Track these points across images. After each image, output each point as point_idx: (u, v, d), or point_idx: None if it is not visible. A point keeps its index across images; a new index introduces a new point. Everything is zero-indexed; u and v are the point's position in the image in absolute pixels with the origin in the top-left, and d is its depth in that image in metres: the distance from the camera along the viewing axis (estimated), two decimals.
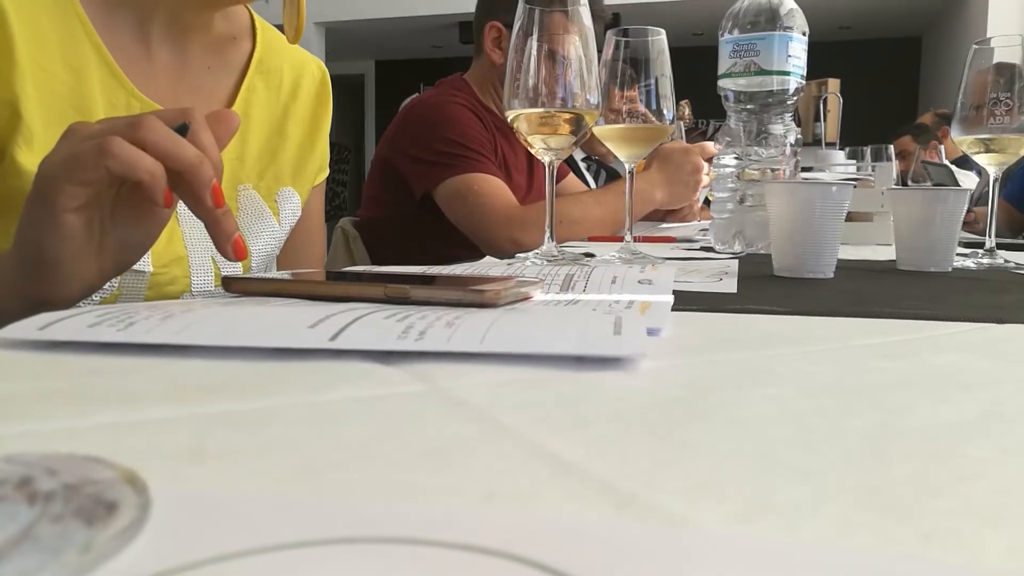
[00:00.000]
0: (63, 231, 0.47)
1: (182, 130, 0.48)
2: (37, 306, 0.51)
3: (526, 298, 0.48)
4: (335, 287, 0.47)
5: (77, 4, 0.63)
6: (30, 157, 0.59)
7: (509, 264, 0.75)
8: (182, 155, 0.47)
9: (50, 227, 0.47)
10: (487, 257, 0.93)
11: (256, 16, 0.81)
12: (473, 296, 0.43)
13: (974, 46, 0.87)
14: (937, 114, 3.84)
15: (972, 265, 0.84)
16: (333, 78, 0.89)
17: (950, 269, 0.78)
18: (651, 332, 0.38)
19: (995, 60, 0.85)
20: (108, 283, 0.62)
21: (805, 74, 0.98)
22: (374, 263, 1.47)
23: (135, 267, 0.63)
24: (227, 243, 0.50)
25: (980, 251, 0.87)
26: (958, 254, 0.83)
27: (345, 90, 7.90)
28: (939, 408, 0.27)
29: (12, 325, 0.33)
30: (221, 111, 0.52)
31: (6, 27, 0.59)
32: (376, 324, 0.34)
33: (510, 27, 0.76)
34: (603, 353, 0.32)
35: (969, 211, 2.26)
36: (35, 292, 0.49)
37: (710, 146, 1.38)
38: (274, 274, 0.62)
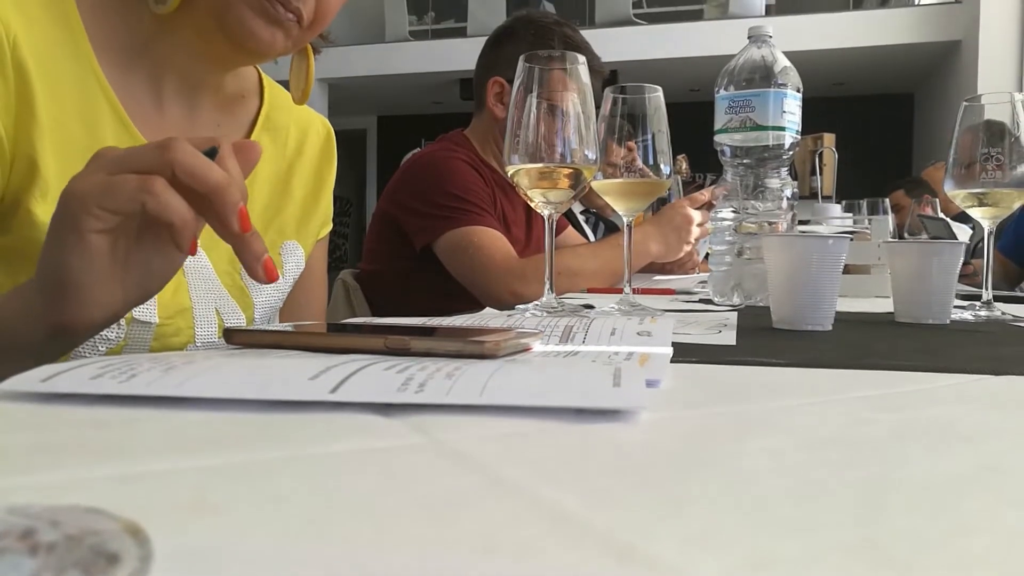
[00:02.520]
0: (88, 251, 0.47)
1: (211, 154, 0.48)
2: (60, 333, 0.50)
3: (526, 349, 0.48)
4: (336, 339, 0.48)
5: (94, 61, 0.65)
6: (44, 209, 0.60)
7: (509, 315, 0.75)
8: (210, 177, 0.46)
9: (75, 247, 0.47)
10: (487, 308, 0.93)
11: (264, 75, 0.83)
12: (473, 347, 0.43)
13: (964, 103, 0.89)
14: None
15: (970, 317, 0.84)
16: (336, 133, 0.90)
17: (948, 321, 0.78)
18: (650, 384, 0.39)
19: (985, 116, 0.87)
20: (114, 334, 0.63)
21: (800, 129, 1.00)
22: (374, 315, 1.47)
23: (141, 318, 0.64)
24: (257, 263, 0.49)
25: (977, 303, 0.88)
26: (956, 306, 0.84)
27: (347, 144, 8.02)
28: (937, 460, 0.27)
29: (14, 378, 0.33)
30: (244, 141, 0.52)
31: (28, 85, 0.60)
32: (376, 376, 0.35)
33: (512, 83, 0.77)
34: (602, 405, 0.32)
35: (967, 263, 2.27)
36: (58, 318, 0.49)
37: (699, 194, 1.39)
38: (276, 326, 0.63)
